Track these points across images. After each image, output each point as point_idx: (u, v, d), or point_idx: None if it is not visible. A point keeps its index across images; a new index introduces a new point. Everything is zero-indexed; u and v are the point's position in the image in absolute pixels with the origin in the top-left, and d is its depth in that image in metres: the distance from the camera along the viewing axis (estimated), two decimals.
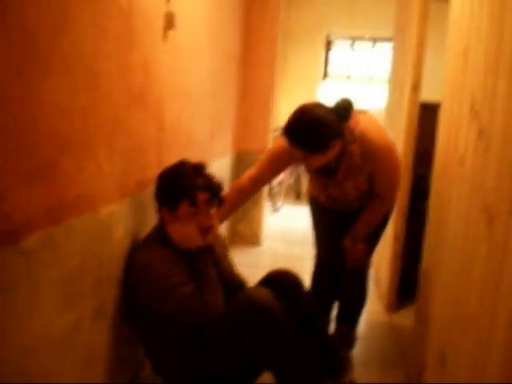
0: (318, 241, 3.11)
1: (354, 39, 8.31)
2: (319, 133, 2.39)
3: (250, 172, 2.75)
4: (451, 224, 2.12)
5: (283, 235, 5.68)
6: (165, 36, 2.53)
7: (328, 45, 8.30)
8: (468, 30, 2.12)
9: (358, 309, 3.05)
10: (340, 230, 2.82)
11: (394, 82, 4.60)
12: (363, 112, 2.64)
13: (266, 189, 5.34)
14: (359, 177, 2.62)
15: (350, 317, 3.05)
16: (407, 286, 3.60)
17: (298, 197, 8.09)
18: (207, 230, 2.31)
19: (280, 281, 2.43)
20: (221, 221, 2.66)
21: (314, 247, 3.15)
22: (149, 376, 2.54)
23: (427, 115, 3.56)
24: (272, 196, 6.84)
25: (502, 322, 1.52)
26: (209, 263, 2.30)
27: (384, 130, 2.63)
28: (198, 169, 2.31)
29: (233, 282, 2.49)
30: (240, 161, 4.95)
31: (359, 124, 2.52)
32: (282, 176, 7.19)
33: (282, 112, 7.99)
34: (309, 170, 2.81)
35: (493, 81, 1.76)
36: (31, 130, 1.48)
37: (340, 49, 8.37)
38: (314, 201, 3.03)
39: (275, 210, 6.97)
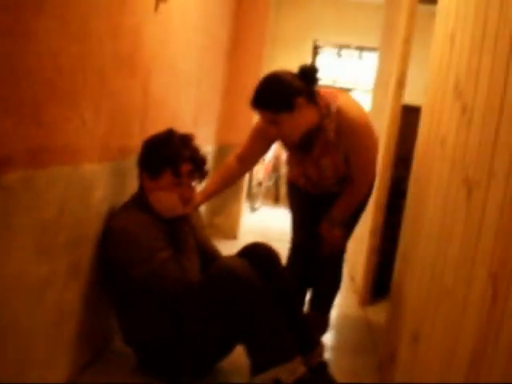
0: (295, 225, 3.10)
1: (340, 47, 8.39)
2: (279, 88, 2.38)
3: (237, 151, 2.75)
4: (430, 204, 2.14)
5: (260, 231, 5.68)
6: (157, 7, 2.53)
7: (315, 50, 8.36)
8: (455, 15, 2.15)
9: (331, 294, 3.05)
10: (317, 215, 2.82)
11: (379, 86, 4.66)
12: (344, 91, 2.64)
13: (244, 189, 5.34)
14: (336, 155, 2.61)
15: (323, 302, 3.05)
16: (382, 282, 3.62)
17: (276, 200, 8.11)
18: (187, 200, 2.32)
19: (256, 253, 2.42)
20: (206, 198, 2.65)
21: (291, 232, 3.14)
22: (118, 349, 2.51)
23: (410, 118, 3.59)
24: (251, 196, 6.85)
25: (476, 293, 1.53)
26: (187, 231, 2.30)
27: (364, 109, 2.61)
28: (185, 139, 2.32)
29: (208, 253, 2.50)
30: (222, 152, 4.94)
31: (337, 100, 2.50)
32: (260, 177, 7.22)
33: None
34: (286, 146, 2.79)
35: (477, 60, 1.80)
36: (20, 65, 1.48)
37: (327, 55, 8.45)
38: (292, 185, 3.02)
39: (253, 209, 6.98)
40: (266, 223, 6.30)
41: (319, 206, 2.85)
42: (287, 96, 2.38)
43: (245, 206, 5.73)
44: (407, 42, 3.50)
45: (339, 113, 2.48)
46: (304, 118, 2.45)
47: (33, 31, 1.51)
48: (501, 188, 1.45)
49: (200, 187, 2.52)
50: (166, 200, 2.29)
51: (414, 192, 2.46)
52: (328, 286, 3.03)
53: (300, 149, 2.68)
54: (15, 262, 1.59)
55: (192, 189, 2.35)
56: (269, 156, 7.49)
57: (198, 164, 2.32)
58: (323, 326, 3.03)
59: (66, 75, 1.74)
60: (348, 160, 2.60)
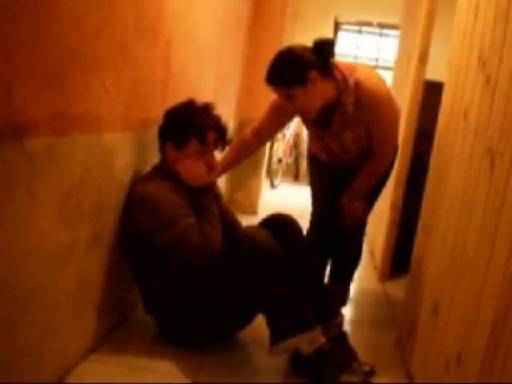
0: (315, 198, 3.10)
1: (362, 24, 8.31)
2: (291, 62, 2.35)
3: (253, 125, 2.74)
4: (452, 176, 2.13)
5: (280, 208, 5.65)
6: None
7: (336, 27, 8.29)
8: None
9: (351, 267, 3.06)
10: (338, 188, 2.82)
11: (400, 63, 4.60)
12: (364, 64, 2.61)
13: (264, 165, 5.33)
14: (358, 128, 2.58)
15: (343, 275, 3.06)
16: (402, 258, 3.61)
17: (296, 177, 8.10)
18: (212, 168, 2.37)
19: (277, 223, 2.42)
20: (223, 171, 2.67)
21: (311, 205, 3.14)
22: (140, 317, 2.54)
23: (432, 93, 3.55)
24: (270, 173, 6.84)
25: (498, 264, 1.53)
26: (210, 200, 2.32)
27: (384, 81, 2.57)
28: (208, 109, 2.33)
29: (229, 222, 2.53)
30: (242, 128, 4.91)
31: (356, 73, 2.46)
32: (280, 154, 7.20)
33: None
34: (305, 121, 2.78)
35: (502, 29, 1.78)
36: (43, 32, 1.49)
37: (348, 32, 8.37)
38: (313, 158, 3.02)
39: (273, 186, 6.98)
40: (286, 200, 6.29)
41: (340, 179, 2.84)
42: (299, 70, 2.35)
43: (264, 182, 5.73)
44: (431, 15, 3.45)
45: (358, 85, 2.44)
46: (319, 92, 2.42)
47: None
48: None
49: (219, 156, 2.52)
50: (193, 168, 2.31)
51: (436, 164, 2.44)
52: (348, 258, 3.04)
53: (319, 124, 2.67)
54: (38, 227, 1.61)
55: (214, 156, 2.37)
56: (289, 133, 7.46)
57: (221, 132, 2.35)
58: (343, 298, 3.05)
59: (89, 43, 1.75)
60: (369, 132, 2.58)
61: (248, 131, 2.75)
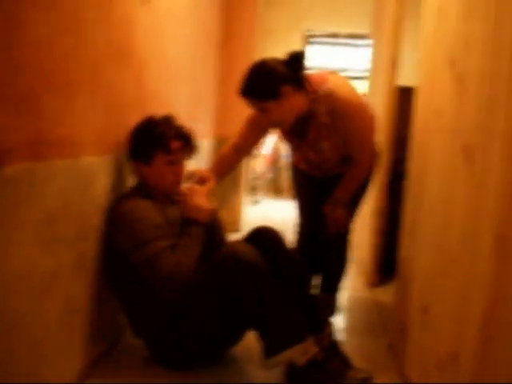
0: (300, 210, 3.11)
1: (332, 35, 8.38)
2: (264, 76, 2.37)
3: (232, 140, 2.75)
4: (431, 176, 2.15)
5: (263, 223, 5.64)
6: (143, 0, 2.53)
7: (307, 40, 8.35)
8: None
9: (338, 275, 3.06)
10: (321, 197, 2.83)
11: (374, 72, 4.64)
12: (333, 73, 2.63)
13: (243, 181, 5.33)
14: (333, 137, 2.60)
15: (330, 283, 3.06)
16: (389, 263, 3.61)
17: (277, 192, 8.11)
18: (179, 176, 2.39)
19: (262, 236, 2.43)
20: (208, 192, 2.63)
21: (297, 217, 3.15)
22: (130, 341, 2.51)
23: (406, 99, 3.58)
24: (252, 189, 6.85)
25: (482, 258, 1.54)
26: (194, 221, 2.31)
27: (354, 88, 2.59)
28: (168, 120, 2.35)
29: (218, 239, 2.58)
30: (220, 146, 4.94)
31: (327, 83, 2.49)
32: (261, 170, 7.22)
33: None
34: (281, 133, 2.79)
35: (467, 27, 1.80)
36: (15, 57, 1.48)
37: (319, 45, 8.44)
38: (295, 168, 3.03)
39: (255, 202, 6.99)
40: (269, 215, 6.30)
41: (323, 188, 2.86)
42: (273, 84, 2.37)
43: (246, 199, 5.73)
44: (398, 21, 3.50)
45: (329, 95, 2.46)
46: (292, 105, 2.44)
47: (28, 22, 1.52)
48: (501, 149, 1.45)
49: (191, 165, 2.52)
50: (166, 174, 2.32)
51: (414, 167, 2.46)
52: (334, 267, 3.04)
53: (295, 135, 2.69)
54: (20, 255, 1.59)
55: (183, 167, 2.40)
56: (268, 148, 7.49)
57: (186, 139, 2.35)
58: (331, 308, 3.04)
59: (61, 67, 1.74)
60: (345, 140, 2.60)
61: (226, 147, 2.75)
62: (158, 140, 2.27)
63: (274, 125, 2.58)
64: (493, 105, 1.53)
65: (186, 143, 2.36)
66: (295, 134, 2.67)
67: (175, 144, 2.30)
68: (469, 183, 1.69)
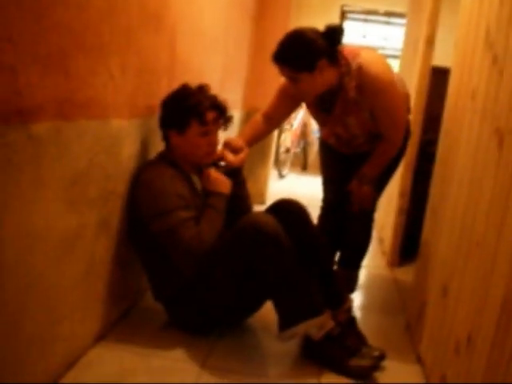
0: (326, 184, 3.10)
1: (368, 13, 8.26)
2: (303, 47, 2.32)
3: (263, 110, 2.74)
4: (460, 157, 2.12)
5: (288, 197, 5.66)
6: None
7: (342, 16, 8.25)
8: None
9: (360, 253, 3.05)
10: (348, 174, 2.81)
11: (407, 50, 4.57)
12: (367, 48, 2.58)
13: (272, 155, 5.32)
14: (361, 113, 2.55)
15: (353, 260, 3.05)
16: (411, 244, 3.59)
17: (304, 168, 8.08)
18: (214, 146, 2.38)
19: (285, 208, 2.42)
20: (241, 162, 2.59)
21: (322, 191, 3.14)
22: (149, 305, 2.54)
23: (439, 80, 3.52)
24: (278, 163, 6.83)
25: (507, 243, 1.52)
26: (219, 192, 2.34)
27: (388, 65, 2.52)
28: (203, 90, 2.32)
29: (244, 208, 2.59)
30: (249, 118, 4.93)
31: (358, 57, 2.43)
32: (288, 144, 7.19)
33: None
34: (308, 106, 2.77)
35: (508, 8, 1.76)
36: (46, 16, 1.48)
37: (354, 21, 8.33)
38: (323, 143, 3.00)
39: (281, 176, 6.98)
40: (294, 189, 6.28)
41: (351, 165, 2.82)
42: (310, 57, 2.33)
43: (272, 172, 5.72)
44: (437, 0, 3.42)
45: (360, 70, 2.41)
46: (324, 79, 2.40)
47: None
48: None
49: (225, 135, 2.51)
50: (194, 149, 2.31)
51: (444, 147, 2.43)
52: (357, 243, 3.03)
53: (320, 109, 2.66)
54: (45, 213, 1.61)
55: (217, 137, 2.38)
56: (296, 122, 7.45)
57: (220, 110, 2.33)
58: (352, 284, 3.04)
59: (93, 29, 1.74)
60: (374, 117, 2.56)
61: (258, 116, 2.74)
62: (193, 110, 2.25)
63: (300, 95, 2.55)
64: None
65: (221, 114, 2.34)
66: (321, 107, 2.65)
67: (210, 115, 2.28)
68: (499, 167, 1.66)
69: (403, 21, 6.57)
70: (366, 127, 2.61)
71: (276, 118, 2.73)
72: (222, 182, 2.36)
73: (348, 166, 2.85)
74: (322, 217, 3.10)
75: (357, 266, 3.07)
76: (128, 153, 2.18)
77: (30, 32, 1.42)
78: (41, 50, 1.47)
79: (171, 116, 2.30)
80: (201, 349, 2.24)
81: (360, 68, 2.41)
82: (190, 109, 2.24)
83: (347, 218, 2.97)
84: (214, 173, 2.36)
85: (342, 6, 8.16)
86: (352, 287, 3.05)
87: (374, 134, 2.65)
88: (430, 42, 3.46)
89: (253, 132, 2.71)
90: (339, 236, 3.05)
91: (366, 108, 2.52)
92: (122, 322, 2.39)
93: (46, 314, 1.73)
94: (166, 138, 2.35)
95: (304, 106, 2.79)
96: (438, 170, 2.50)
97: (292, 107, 2.73)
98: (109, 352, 2.13)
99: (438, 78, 3.55)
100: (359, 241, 3.02)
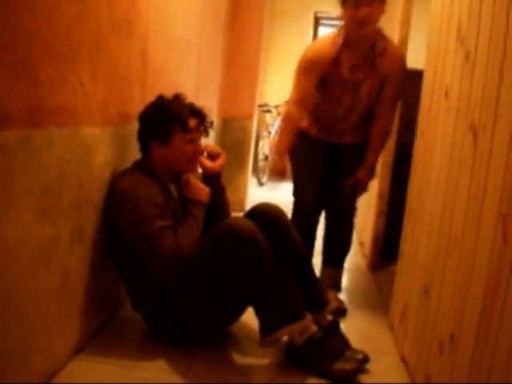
0: (303, 184, 3.03)
1: (341, 19, 8.29)
2: None
3: (291, 99, 2.79)
4: (436, 157, 2.12)
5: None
6: None
7: (316, 22, 8.28)
8: None
9: (346, 248, 3.05)
10: (330, 168, 2.88)
11: None
12: None
13: (250, 161, 5.30)
14: (376, 79, 2.69)
15: (338, 259, 3.05)
16: (392, 247, 3.59)
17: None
18: (200, 153, 2.39)
19: (264, 213, 2.39)
20: (219, 169, 2.57)
21: (296, 193, 3.09)
22: (128, 315, 2.50)
23: (414, 82, 3.52)
24: (257, 171, 6.82)
25: (485, 238, 1.51)
26: (197, 200, 2.33)
27: None
28: (179, 98, 2.31)
29: (223, 214, 2.54)
30: (225, 125, 4.93)
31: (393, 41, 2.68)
32: (266, 151, 7.19)
33: (270, 90, 8.01)
34: (333, 71, 2.74)
35: (478, 2, 1.77)
36: (12, 23, 1.45)
37: (327, 27, 8.36)
38: (304, 135, 2.94)
39: (261, 184, 6.96)
40: (274, 196, 6.24)
41: (331, 158, 2.89)
42: None
43: (252, 180, 5.71)
44: (408, 1, 3.44)
45: (387, 39, 2.67)
46: (379, 16, 2.56)
47: None
48: (507, 127, 1.42)
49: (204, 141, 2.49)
50: (179, 158, 2.29)
51: (420, 147, 2.43)
52: (342, 243, 3.05)
53: (350, 71, 2.71)
54: (16, 223, 1.57)
55: (200, 144, 2.37)
56: (274, 130, 7.45)
57: (200, 116, 2.32)
58: (339, 284, 3.06)
59: (62, 36, 1.72)
60: (381, 89, 2.70)
61: (291, 108, 2.78)
62: (174, 118, 2.23)
63: (358, 25, 2.58)
64: (499, 83, 1.50)
65: (202, 120, 2.33)
66: (350, 69, 2.70)
67: (192, 122, 2.27)
68: (474, 163, 1.66)
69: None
70: (372, 98, 2.73)
71: (309, 98, 2.78)
72: (200, 190, 2.34)
73: (328, 160, 2.90)
74: (296, 215, 3.05)
75: (343, 263, 3.08)
76: (101, 161, 2.14)
77: None
78: (9, 57, 1.44)
79: (152, 128, 2.27)
80: (183, 359, 2.21)
81: (398, 49, 2.75)
82: (171, 118, 2.22)
83: (331, 214, 2.99)
84: (192, 180, 2.34)
85: (316, 13, 8.18)
86: (339, 286, 3.05)
87: (365, 116, 2.78)
88: (404, 43, 3.47)
89: (292, 127, 2.81)
90: (315, 235, 3.07)
91: (381, 76, 2.67)
92: (102, 334, 2.34)
93: (21, 328, 1.69)
94: (145, 150, 2.32)
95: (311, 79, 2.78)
96: (414, 170, 2.50)
97: (315, 85, 2.77)
98: (89, 364, 2.09)
99: (414, 80, 3.56)
100: (344, 239, 3.05)
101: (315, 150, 2.96)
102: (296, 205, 3.09)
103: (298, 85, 2.75)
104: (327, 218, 3.05)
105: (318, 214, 3.08)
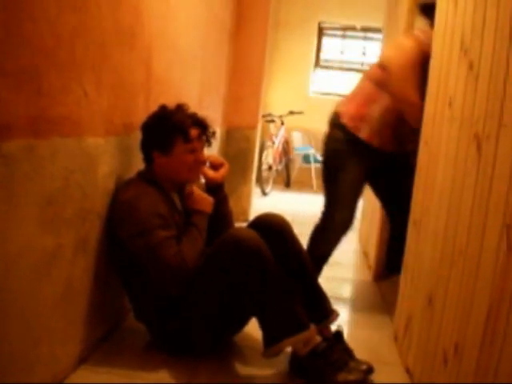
0: (348, 199, 2.86)
1: (345, 29, 8.33)
2: None
3: (415, 97, 2.63)
4: (440, 167, 2.11)
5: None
6: None
7: (320, 32, 8.30)
8: None
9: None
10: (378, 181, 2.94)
11: None
12: None
13: (254, 171, 5.31)
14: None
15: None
16: (395, 258, 3.57)
17: (287, 185, 8.07)
18: (203, 163, 2.38)
19: (268, 223, 2.39)
20: (222, 178, 2.54)
21: (333, 208, 2.89)
22: (131, 326, 2.49)
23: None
24: (261, 180, 6.82)
25: (490, 248, 1.51)
26: (201, 211, 2.33)
27: None
28: (181, 108, 2.31)
29: (226, 225, 2.52)
30: (229, 136, 4.94)
31: None
32: (270, 161, 7.19)
33: (274, 100, 8.03)
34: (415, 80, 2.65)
35: (481, 13, 1.77)
36: (17, 31, 1.46)
37: (331, 38, 8.40)
38: (362, 145, 2.79)
39: (264, 194, 6.96)
40: (278, 206, 6.24)
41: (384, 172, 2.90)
42: None
43: (255, 190, 5.71)
44: (411, 11, 3.44)
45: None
46: None
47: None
48: (510, 138, 1.42)
49: (207, 151, 2.49)
50: (187, 162, 2.28)
51: (424, 157, 2.43)
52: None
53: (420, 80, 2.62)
54: (19, 234, 1.57)
55: (203, 154, 2.36)
56: (278, 140, 7.46)
57: (202, 126, 2.32)
58: None
59: (65, 45, 1.72)
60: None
61: (417, 101, 2.62)
62: (176, 128, 2.23)
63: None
64: (503, 93, 1.50)
65: (204, 129, 2.33)
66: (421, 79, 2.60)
67: (193, 131, 2.27)
68: (478, 173, 1.65)
69: (380, 35, 6.62)
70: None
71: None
72: (204, 200, 2.34)
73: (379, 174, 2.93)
74: (334, 235, 2.90)
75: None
76: (105, 171, 2.14)
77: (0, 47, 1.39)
78: (11, 66, 1.44)
79: (154, 137, 2.27)
80: (185, 369, 2.20)
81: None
82: (172, 128, 2.23)
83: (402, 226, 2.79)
84: (196, 191, 2.34)
85: (320, 23, 8.22)
86: None
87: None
88: None
89: None
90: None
91: None
92: (105, 344, 2.33)
93: (24, 338, 1.69)
94: (148, 160, 2.32)
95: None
96: (418, 180, 2.50)
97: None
98: (92, 374, 2.08)
99: None
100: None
101: (366, 164, 2.84)
102: (336, 220, 2.89)
103: (409, 83, 2.63)
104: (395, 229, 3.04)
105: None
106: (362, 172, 2.84)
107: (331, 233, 2.90)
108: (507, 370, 1.32)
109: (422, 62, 2.60)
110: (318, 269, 2.91)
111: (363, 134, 2.78)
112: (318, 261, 2.90)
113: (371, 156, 2.81)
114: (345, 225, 2.87)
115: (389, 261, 3.60)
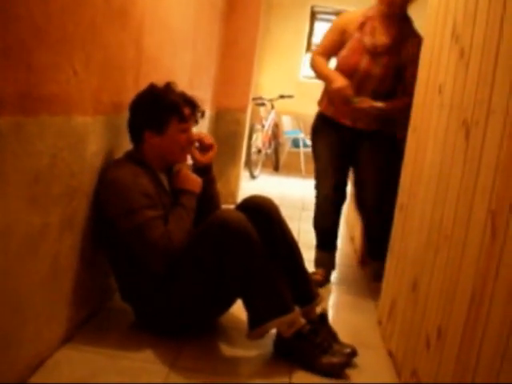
0: (323, 170, 3.10)
1: (338, 13, 8.28)
2: None
3: (315, 51, 3.12)
4: (429, 152, 2.13)
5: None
6: None
7: (313, 16, 8.26)
8: None
9: (386, 241, 2.86)
10: (349, 160, 2.99)
11: None
12: None
13: (243, 154, 5.30)
14: (394, 57, 2.87)
15: (380, 251, 2.94)
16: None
17: (276, 168, 8.07)
18: (192, 142, 2.39)
19: (255, 205, 2.40)
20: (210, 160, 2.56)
21: (315, 186, 3.17)
22: (117, 306, 2.49)
23: None
24: (250, 164, 6.82)
25: (475, 234, 1.52)
26: (188, 190, 2.32)
27: None
28: (170, 87, 2.30)
29: (213, 206, 2.51)
30: (219, 118, 4.92)
31: None
32: (259, 145, 7.18)
33: (265, 83, 8.00)
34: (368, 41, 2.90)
35: (474, 1, 1.77)
36: (7, 8, 1.44)
37: (324, 22, 8.35)
38: (321, 119, 3.07)
39: (253, 177, 6.96)
40: (266, 190, 6.25)
41: (353, 147, 2.97)
42: None
43: (244, 173, 5.71)
44: None
45: (416, 31, 2.92)
46: None
47: None
48: (499, 124, 1.43)
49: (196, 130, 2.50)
50: (179, 141, 2.29)
51: (412, 143, 2.44)
52: (381, 231, 2.99)
53: (384, 35, 2.89)
54: (6, 210, 1.56)
55: (193, 133, 2.37)
56: (267, 123, 7.45)
57: (193, 105, 2.32)
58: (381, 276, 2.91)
59: (56, 22, 1.70)
60: (403, 73, 2.87)
61: (313, 56, 3.11)
62: (172, 108, 2.23)
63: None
64: (493, 80, 1.51)
65: (194, 108, 2.33)
66: (373, 30, 2.88)
67: (187, 110, 2.27)
68: (466, 158, 1.66)
69: None
70: (388, 74, 2.89)
71: (330, 50, 3.05)
72: (192, 181, 2.33)
73: (350, 149, 3.02)
74: (320, 209, 3.15)
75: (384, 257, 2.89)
76: (93, 150, 2.13)
77: None
78: (0, 42, 1.43)
79: (147, 117, 2.25)
80: (170, 349, 2.21)
81: (418, 33, 2.90)
82: (167, 107, 2.22)
83: (365, 206, 3.13)
84: (184, 170, 2.34)
85: (313, 7, 8.18)
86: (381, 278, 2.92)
87: (379, 94, 2.87)
88: None
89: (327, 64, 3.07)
90: (338, 224, 3.18)
91: (402, 57, 2.88)
92: (90, 323, 2.34)
93: (9, 316, 1.68)
94: (137, 140, 2.30)
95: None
96: (406, 165, 2.51)
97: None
98: (76, 353, 2.08)
99: None
100: (381, 233, 2.98)
101: (336, 137, 3.04)
102: (317, 199, 3.16)
103: (324, 40, 3.04)
104: (362, 211, 3.24)
105: (339, 209, 3.13)
106: (330, 145, 3.05)
107: (319, 206, 3.16)
108: (489, 354, 1.34)
109: (346, 28, 2.95)
110: (324, 242, 3.20)
111: (322, 106, 3.08)
112: (321, 235, 3.19)
113: (334, 129, 3.03)
114: (326, 197, 3.10)
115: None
